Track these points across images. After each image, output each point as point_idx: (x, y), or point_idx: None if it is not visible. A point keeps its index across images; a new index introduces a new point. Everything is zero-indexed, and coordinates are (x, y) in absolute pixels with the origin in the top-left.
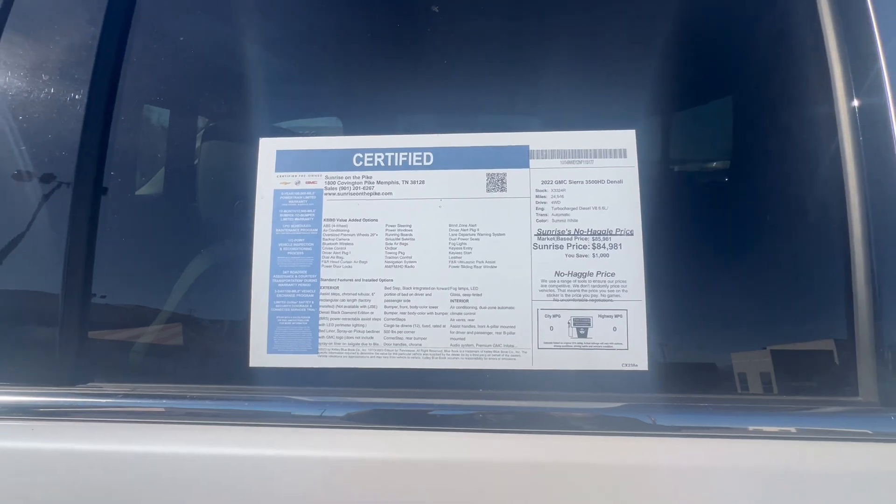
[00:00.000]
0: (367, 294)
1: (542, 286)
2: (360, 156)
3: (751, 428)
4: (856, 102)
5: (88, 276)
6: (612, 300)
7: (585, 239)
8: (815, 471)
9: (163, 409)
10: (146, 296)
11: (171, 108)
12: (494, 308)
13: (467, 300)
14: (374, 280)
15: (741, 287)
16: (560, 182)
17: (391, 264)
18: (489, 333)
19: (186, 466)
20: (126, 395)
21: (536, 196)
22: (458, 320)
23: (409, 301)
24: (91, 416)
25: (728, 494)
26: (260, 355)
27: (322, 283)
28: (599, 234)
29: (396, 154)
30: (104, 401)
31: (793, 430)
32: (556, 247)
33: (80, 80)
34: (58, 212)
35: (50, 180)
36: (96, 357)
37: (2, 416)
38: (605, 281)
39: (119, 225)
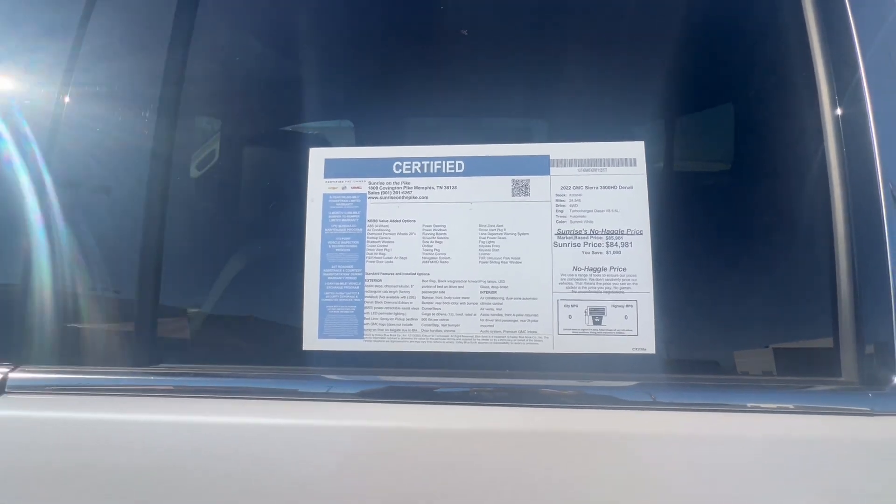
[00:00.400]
0: (407, 286)
1: (561, 279)
2: (400, 164)
3: (748, 405)
4: (839, 111)
5: (158, 273)
6: (623, 292)
7: (600, 238)
8: (802, 439)
9: (225, 387)
10: (210, 289)
11: (224, 120)
12: (519, 299)
13: (495, 292)
14: (412, 274)
15: (738, 280)
16: (577, 188)
17: (428, 260)
18: (515, 321)
19: (246, 435)
20: (195, 375)
21: (556, 200)
22: (487, 309)
23: (443, 292)
24: (164, 394)
25: (724, 459)
26: (312, 340)
27: (366, 277)
28: (612, 234)
29: (431, 162)
30: (175, 379)
31: (784, 406)
32: (574, 245)
33: (150, 96)
34: (132, 217)
35: (123, 189)
36: (167, 342)
37: (92, 392)
38: (617, 275)
39: (184, 227)
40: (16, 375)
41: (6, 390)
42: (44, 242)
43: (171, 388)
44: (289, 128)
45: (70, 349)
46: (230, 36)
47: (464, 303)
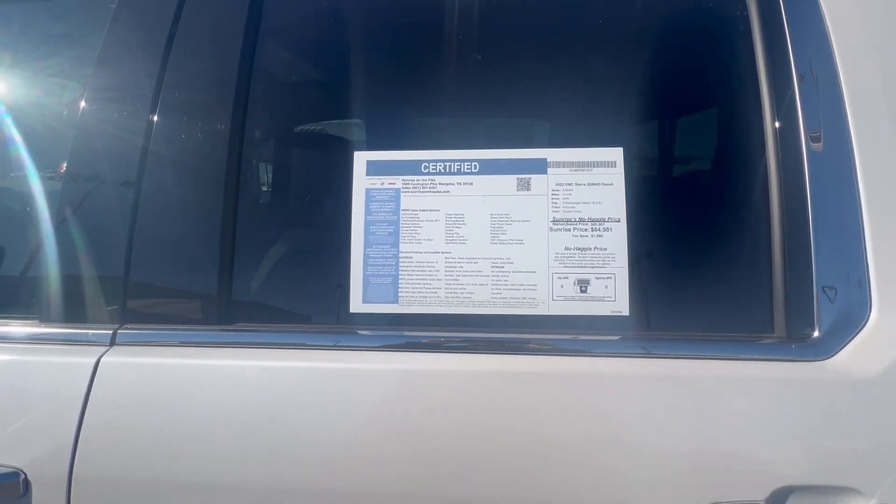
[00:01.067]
0: (433, 262)
1: (555, 257)
2: (427, 164)
3: (702, 354)
4: (777, 124)
5: (231, 254)
6: (604, 267)
7: (586, 224)
8: (743, 379)
9: (292, 343)
10: (277, 265)
11: (286, 125)
12: (522, 272)
13: (503, 266)
14: (437, 252)
15: (695, 257)
16: (569, 184)
17: (449, 241)
18: (518, 290)
19: (307, 376)
20: (268, 332)
21: (552, 194)
22: (497, 280)
23: (462, 267)
24: (240, 346)
25: (681, 394)
26: (357, 304)
27: (400, 255)
28: (596, 221)
29: (452, 163)
30: (250, 335)
31: (730, 355)
32: (566, 230)
33: (225, 105)
34: (211, 208)
35: (201, 185)
36: (244, 305)
37: (183, 345)
38: (599, 254)
39: (256, 217)
40: (123, 331)
41: (116, 342)
42: (147, 228)
43: (245, 342)
44: (337, 133)
45: (165, 311)
46: (289, 56)
47: (478, 275)
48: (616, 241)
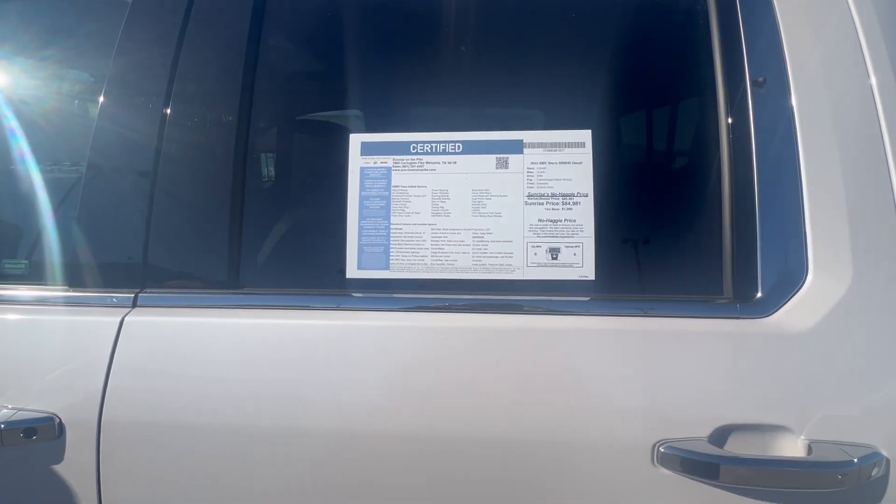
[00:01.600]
0: (420, 233)
1: (530, 228)
2: (416, 145)
3: (660, 312)
4: (730, 120)
5: (240, 225)
6: (573, 237)
7: (557, 199)
8: (695, 333)
9: (295, 304)
10: (280, 236)
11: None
12: (500, 241)
13: (483, 237)
14: (424, 224)
15: (654, 228)
16: (542, 163)
17: (435, 214)
18: (496, 257)
19: (312, 333)
20: (273, 295)
21: (527, 172)
22: (477, 249)
23: (446, 237)
24: (250, 307)
25: (639, 346)
26: (353, 270)
27: (392, 226)
28: (566, 196)
29: (438, 144)
30: (258, 297)
31: (683, 313)
32: (539, 203)
33: (231, 97)
34: (222, 184)
35: (213, 163)
36: (251, 271)
37: (199, 306)
38: (569, 225)
39: (263, 193)
40: (144, 295)
41: (138, 304)
42: (164, 202)
43: (254, 304)
44: (335, 119)
45: (181, 277)
46: (289, 47)
47: (461, 244)
48: (584, 214)
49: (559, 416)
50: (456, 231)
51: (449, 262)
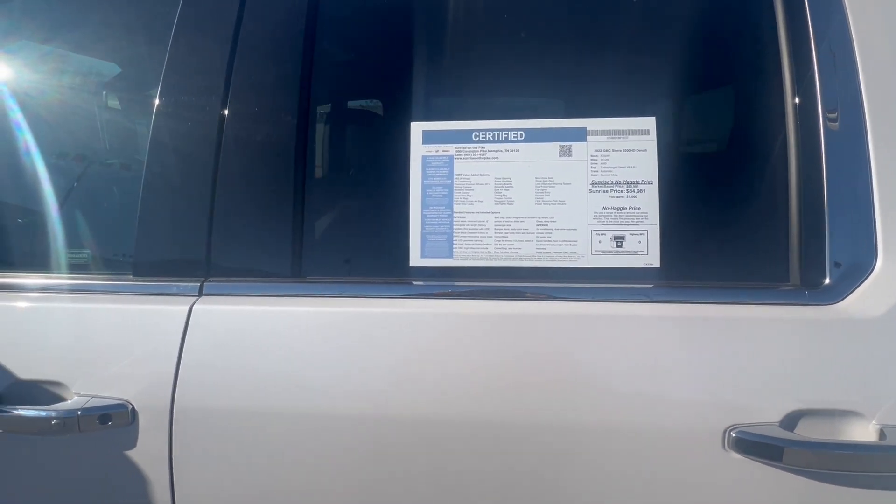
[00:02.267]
0: (484, 221)
1: (594, 216)
2: (478, 133)
3: (727, 301)
4: (797, 100)
5: (302, 214)
6: (638, 224)
7: (622, 187)
8: (763, 320)
9: (359, 293)
10: (345, 225)
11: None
12: (564, 229)
13: (547, 224)
14: (487, 212)
15: (720, 214)
16: (606, 150)
17: (498, 202)
18: (560, 245)
19: (373, 319)
20: (337, 283)
21: (591, 159)
22: (541, 237)
23: (510, 225)
24: (311, 295)
25: (707, 333)
26: (416, 259)
27: (455, 214)
28: (630, 184)
29: (500, 132)
30: (322, 286)
31: (751, 300)
32: (603, 191)
33: (293, 81)
34: (285, 175)
35: (274, 155)
36: (314, 260)
37: (264, 295)
38: (633, 213)
39: (324, 182)
40: (209, 283)
41: (204, 293)
42: (227, 194)
43: (318, 293)
44: (395, 108)
45: (245, 266)
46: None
47: (524, 232)
48: (648, 201)
49: (629, 402)
50: (519, 219)
51: (513, 251)
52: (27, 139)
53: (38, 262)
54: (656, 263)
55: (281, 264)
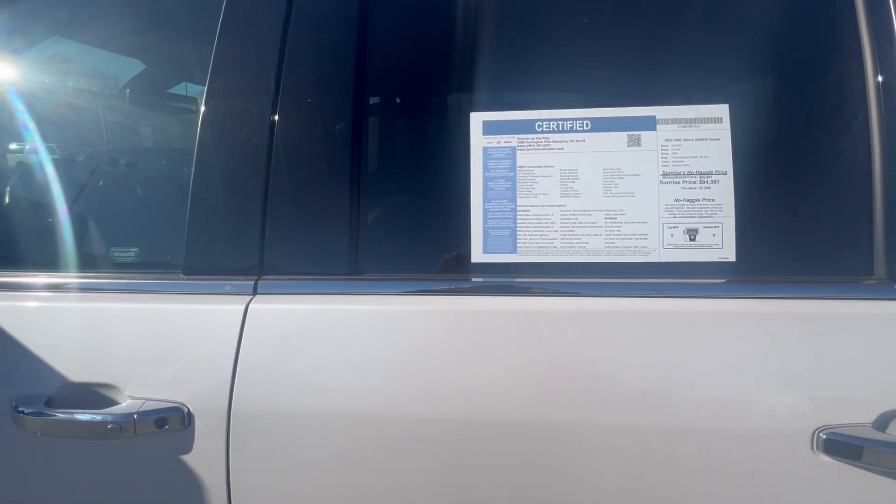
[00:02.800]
0: (549, 215)
1: (665, 208)
2: (541, 123)
3: (808, 295)
4: (880, 78)
5: (359, 209)
6: (712, 217)
7: (694, 177)
8: (847, 315)
9: (418, 290)
10: (403, 221)
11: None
12: (634, 223)
13: (616, 217)
14: (553, 206)
15: (799, 205)
16: (677, 140)
17: (564, 195)
18: (630, 239)
19: (435, 317)
20: (395, 280)
21: (661, 149)
22: (610, 231)
23: (576, 218)
24: (369, 292)
25: (788, 328)
26: (478, 254)
27: (518, 208)
28: (704, 174)
29: (565, 122)
30: (380, 283)
31: (834, 295)
32: (675, 182)
33: (347, 73)
34: (339, 170)
35: (328, 150)
36: (371, 256)
37: (320, 294)
38: (707, 204)
39: (381, 176)
40: (263, 282)
41: (258, 292)
42: (281, 190)
43: (374, 291)
44: (452, 99)
45: (299, 264)
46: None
47: (592, 226)
48: (723, 192)
49: (712, 404)
50: (587, 212)
51: (580, 245)
52: (68, 138)
53: (86, 261)
54: (732, 257)
55: (337, 261)
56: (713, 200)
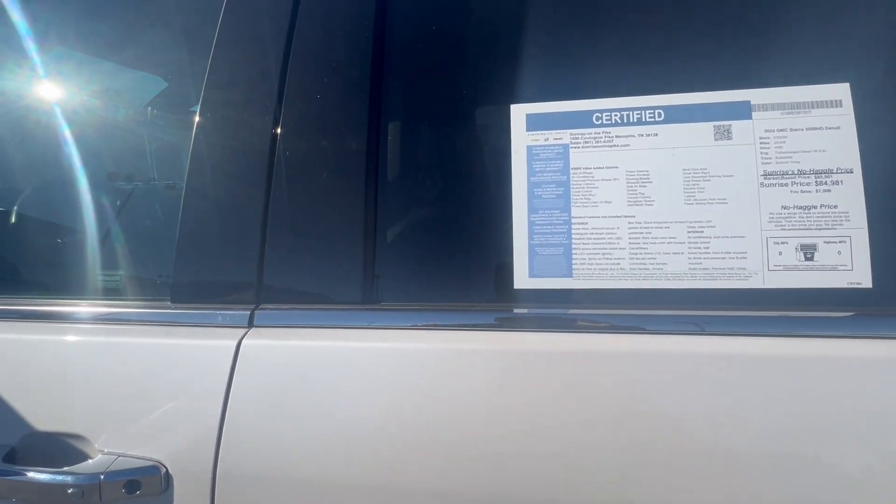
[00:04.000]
0: (613, 228)
1: (770, 218)
2: (599, 115)
3: None
4: None
5: (374, 225)
6: (835, 228)
7: (808, 178)
8: None
9: (450, 323)
10: (424, 236)
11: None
12: (727, 237)
13: (702, 231)
14: (618, 216)
15: None
16: (781, 130)
17: (633, 203)
18: (723, 258)
19: (471, 358)
20: (421, 311)
21: (761, 143)
22: (695, 248)
23: (650, 233)
24: (386, 327)
25: None
26: (523, 279)
27: (573, 220)
28: (821, 173)
29: (631, 112)
30: (402, 314)
31: None
32: (782, 185)
33: (363, 69)
34: (351, 176)
35: (338, 163)
36: (392, 281)
37: (329, 328)
38: (829, 213)
39: (400, 181)
40: (261, 312)
41: (255, 324)
42: (282, 199)
43: (398, 325)
44: (483, 90)
45: (304, 290)
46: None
47: (671, 242)
48: (850, 197)
49: (851, 461)
50: (663, 225)
51: (655, 267)
52: (64, 154)
53: (60, 285)
54: (867, 283)
55: (350, 288)
56: (836, 207)
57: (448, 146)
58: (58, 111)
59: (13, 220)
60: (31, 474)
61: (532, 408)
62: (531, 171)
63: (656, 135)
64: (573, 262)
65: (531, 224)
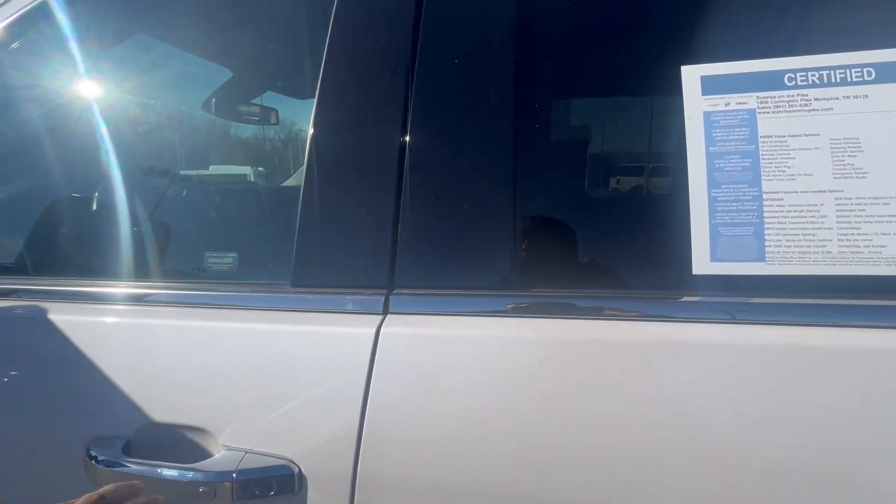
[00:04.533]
0: (816, 205)
1: None
2: (793, 76)
3: None
4: None
5: (522, 207)
6: None
7: None
8: None
9: (605, 307)
10: (589, 217)
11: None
12: None
13: None
14: (821, 191)
15: None
16: None
17: (840, 175)
18: None
19: (637, 351)
20: (580, 297)
21: None
22: None
23: (863, 210)
24: (532, 314)
25: None
26: (703, 264)
27: (764, 196)
28: None
29: (832, 72)
30: (558, 302)
31: None
32: None
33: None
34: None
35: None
36: (541, 265)
37: (471, 315)
38: None
39: (548, 153)
40: (395, 296)
41: (390, 310)
42: (420, 178)
43: (550, 315)
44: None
45: (443, 273)
46: None
47: (890, 221)
48: None
49: None
50: (880, 200)
51: (871, 251)
52: (148, 143)
53: (174, 269)
54: None
55: (495, 271)
56: None
57: (612, 118)
58: (163, 108)
59: (127, 207)
60: (158, 469)
61: (715, 404)
62: (710, 141)
63: (866, 97)
64: (766, 244)
65: (712, 200)
